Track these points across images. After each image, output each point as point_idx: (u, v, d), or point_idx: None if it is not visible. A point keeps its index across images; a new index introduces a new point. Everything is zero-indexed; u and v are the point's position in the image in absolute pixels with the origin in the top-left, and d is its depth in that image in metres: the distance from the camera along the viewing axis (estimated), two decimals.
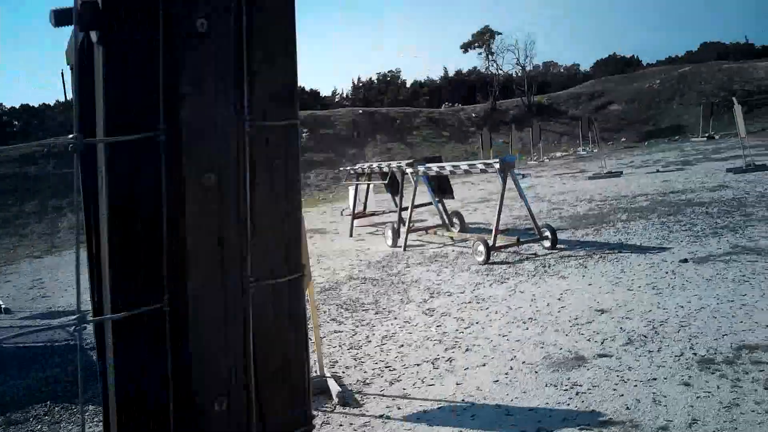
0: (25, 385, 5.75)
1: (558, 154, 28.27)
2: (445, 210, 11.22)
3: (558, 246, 8.96)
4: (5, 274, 12.69)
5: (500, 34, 40.55)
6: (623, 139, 30.46)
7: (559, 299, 6.58)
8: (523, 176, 20.16)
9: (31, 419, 5.00)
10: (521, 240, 9.06)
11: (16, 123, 31.85)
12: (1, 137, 27.58)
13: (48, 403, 5.34)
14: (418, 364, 5.31)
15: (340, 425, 4.42)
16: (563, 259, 8.29)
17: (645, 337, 5.22)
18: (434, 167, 10.17)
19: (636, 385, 4.37)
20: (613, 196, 13.60)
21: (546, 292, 6.88)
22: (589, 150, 27.06)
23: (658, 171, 17.57)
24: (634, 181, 15.89)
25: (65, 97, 39.01)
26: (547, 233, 9.00)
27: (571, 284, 7.10)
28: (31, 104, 37.27)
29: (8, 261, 14.32)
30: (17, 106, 34.64)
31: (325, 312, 7.13)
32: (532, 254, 8.85)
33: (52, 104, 36.98)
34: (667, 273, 7.03)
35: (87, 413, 5.10)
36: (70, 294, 10.00)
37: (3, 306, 9.02)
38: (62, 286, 10.77)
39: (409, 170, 10.59)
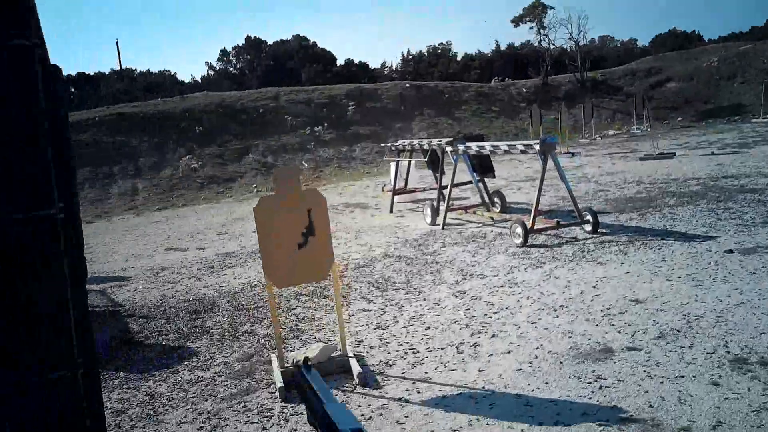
0: None
1: (610, 132, 27.55)
2: (486, 189, 11.07)
3: (600, 230, 8.75)
4: None
5: (552, 8, 39.52)
6: (679, 119, 29.48)
7: (594, 287, 6.43)
8: (573, 155, 19.76)
9: None
10: (561, 223, 8.87)
11: (74, 91, 32.66)
12: None
13: None
14: (442, 348, 5.27)
15: (359, 406, 4.44)
16: (603, 245, 8.09)
17: (678, 331, 5.06)
18: (474, 146, 10.01)
19: (662, 382, 4.25)
20: (663, 178, 13.20)
21: (581, 279, 6.74)
22: (642, 129, 26.29)
23: (713, 153, 16.96)
24: (686, 163, 15.38)
25: (120, 65, 39.79)
26: (589, 217, 8.79)
27: (608, 271, 6.93)
28: (87, 72, 38.18)
29: None
30: (74, 74, 35.50)
31: (356, 290, 7.14)
32: (572, 238, 8.67)
33: (107, 72, 37.81)
34: (709, 264, 6.80)
35: (117, 380, 5.25)
36: (114, 259, 10.29)
37: None
38: (108, 251, 11.08)
39: (448, 149, 10.45)
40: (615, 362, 4.64)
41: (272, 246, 4.68)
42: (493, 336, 5.42)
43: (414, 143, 12.39)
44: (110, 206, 16.55)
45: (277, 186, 4.71)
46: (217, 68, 45.10)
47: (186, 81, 41.42)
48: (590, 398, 4.15)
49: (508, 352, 5.05)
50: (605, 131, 27.60)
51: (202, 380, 5.13)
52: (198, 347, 5.86)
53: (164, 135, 20.70)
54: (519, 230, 8.52)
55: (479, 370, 4.79)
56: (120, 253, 10.83)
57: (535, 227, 8.63)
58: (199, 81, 41.95)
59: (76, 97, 30.09)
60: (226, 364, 5.41)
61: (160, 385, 5.09)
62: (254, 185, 17.87)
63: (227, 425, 4.35)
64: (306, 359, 0.74)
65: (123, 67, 39.69)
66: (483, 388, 4.51)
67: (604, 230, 8.80)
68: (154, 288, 8.12)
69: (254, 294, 7.29)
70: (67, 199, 0.93)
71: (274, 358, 5.08)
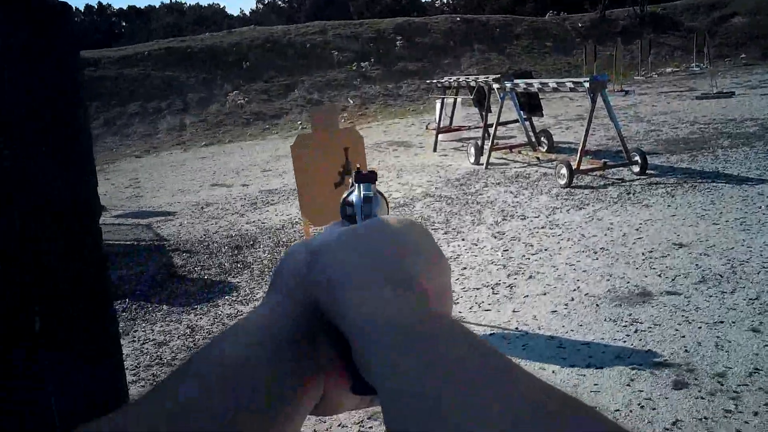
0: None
1: (668, 70, 26.45)
2: (533, 128, 10.82)
3: (648, 172, 8.51)
4: (106, 172, 13.44)
5: None
6: (743, 56, 28.07)
7: (637, 230, 6.30)
8: (626, 93, 19.10)
9: None
10: (609, 164, 8.65)
11: (124, 24, 32.88)
12: (110, 37, 28.60)
13: (127, 300, 5.71)
14: (477, 288, 5.27)
15: None
16: (650, 187, 7.88)
17: (720, 276, 4.93)
18: (521, 84, 9.75)
19: (700, 327, 4.17)
20: (719, 119, 12.67)
21: (625, 222, 6.60)
22: (702, 66, 25.16)
23: None
24: (745, 103, 14.71)
25: None
26: (637, 158, 8.54)
27: (653, 214, 6.76)
28: (138, 6, 38.33)
29: (110, 160, 15.13)
30: (125, 8, 35.70)
31: None
32: (619, 179, 8.45)
33: (157, 6, 37.88)
34: (760, 208, 6.56)
35: (160, 312, 5.43)
36: (161, 194, 10.52)
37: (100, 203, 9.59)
38: (156, 186, 11.32)
39: (495, 86, 10.21)
40: (653, 306, 4.57)
41: (309, 184, 4.69)
42: (530, 277, 5.38)
43: (461, 80, 12.12)
44: (158, 141, 16.82)
45: (314, 124, 4.69)
46: (266, 1, 44.69)
47: (235, 15, 41.25)
48: (624, 342, 4.11)
49: (544, 294, 5.02)
50: (663, 68, 26.51)
51: (241, 314, 5.26)
52: (239, 282, 5.99)
53: (211, 70, 20.75)
54: (564, 171, 8.34)
55: (514, 311, 4.78)
56: (167, 188, 11.06)
57: (581, 168, 8.44)
58: (248, 15, 41.71)
59: (127, 31, 30.33)
60: None
61: (201, 318, 5.25)
62: (299, 122, 17.88)
63: None
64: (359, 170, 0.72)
65: (173, 0, 39.66)
66: (516, 329, 4.51)
67: (652, 172, 8.55)
68: (198, 223, 8.29)
69: (295, 231, 7.37)
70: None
71: None
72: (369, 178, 0.56)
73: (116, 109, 18.25)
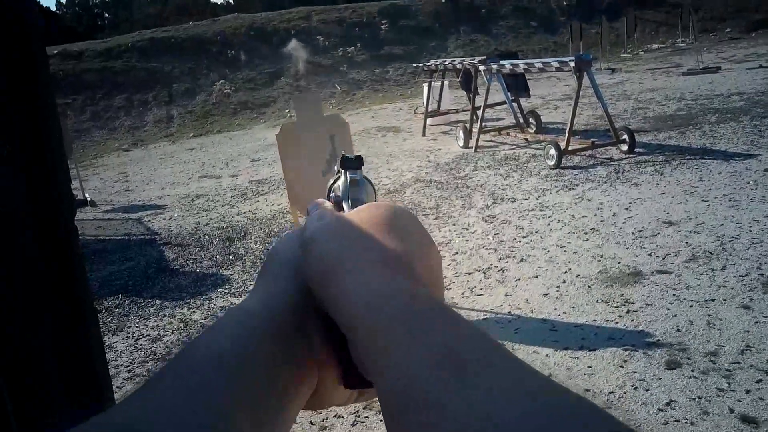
0: (99, 278, 6.12)
1: (654, 46, 26.45)
2: (521, 109, 10.82)
3: (636, 150, 8.52)
4: (95, 167, 13.36)
5: None
6: (728, 30, 28.08)
7: (626, 209, 6.32)
8: (613, 71, 19.09)
9: (103, 311, 5.35)
10: (597, 143, 8.67)
11: (107, 16, 32.52)
12: (92, 29, 28.26)
13: (119, 296, 5.69)
14: (469, 273, 5.29)
15: None
16: (639, 165, 7.90)
17: (710, 253, 4.96)
18: (507, 65, 9.72)
19: (691, 306, 4.20)
20: (705, 94, 12.69)
21: (614, 201, 6.62)
22: (688, 42, 25.16)
23: (760, 66, 16.18)
24: (731, 77, 14.73)
25: None
26: (625, 136, 8.55)
27: (642, 192, 6.79)
28: None
29: (98, 154, 15.03)
30: None
31: None
32: (607, 159, 8.47)
33: None
34: (748, 183, 6.59)
35: (153, 307, 5.41)
36: (150, 188, 10.46)
37: (89, 198, 9.54)
38: (145, 180, 11.26)
39: (481, 68, 10.17)
40: (644, 286, 4.59)
41: (296, 173, 4.67)
42: (522, 260, 5.40)
43: (447, 63, 12.08)
44: (146, 134, 16.72)
45: (297, 112, 4.66)
46: None
47: (218, 2, 40.85)
48: (617, 323, 4.14)
49: (536, 277, 5.04)
50: (648, 45, 26.51)
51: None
52: (231, 274, 5.98)
53: (196, 60, 20.58)
54: (552, 152, 8.35)
55: (506, 295, 4.80)
56: (156, 181, 11.00)
57: (570, 148, 8.45)
58: (231, 2, 41.30)
59: (110, 22, 29.99)
60: None
61: (194, 312, 5.24)
62: (287, 110, 17.79)
63: None
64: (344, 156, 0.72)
65: None
66: (509, 312, 4.53)
67: (640, 150, 8.57)
68: (188, 216, 8.26)
69: (286, 221, 7.36)
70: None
71: None
72: (355, 162, 0.56)
73: (102, 102, 18.10)
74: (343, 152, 0.59)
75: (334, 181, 0.56)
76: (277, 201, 8.37)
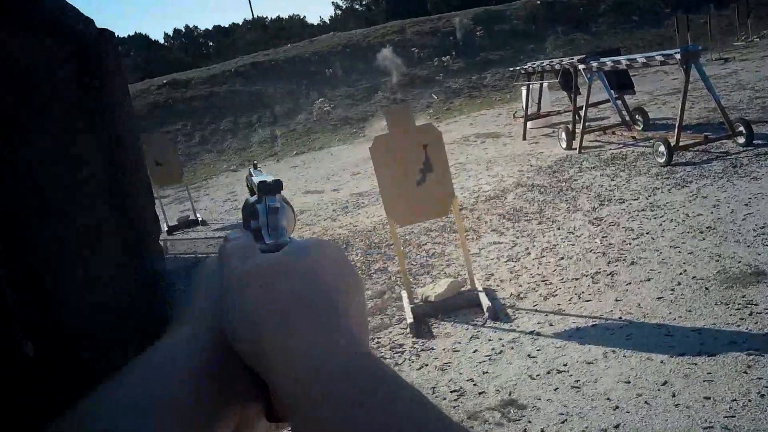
0: None
1: None
2: (626, 106, 10.39)
3: (754, 142, 7.95)
4: (206, 188, 13.99)
5: None
6: None
7: (746, 205, 5.90)
8: (725, 61, 18.02)
9: None
10: (710, 137, 8.16)
11: (211, 44, 34.17)
12: (198, 57, 29.74)
13: None
14: (576, 278, 5.09)
15: (489, 340, 4.41)
16: (758, 158, 7.36)
17: None
18: (608, 62, 9.35)
19: None
20: None
21: (732, 197, 6.19)
22: None
23: None
24: None
25: (252, 14, 40.95)
26: (741, 128, 8.00)
27: (763, 187, 6.31)
28: (222, 25, 39.74)
29: (208, 175, 15.73)
30: (210, 28, 37.11)
31: (486, 223, 7.03)
32: (723, 153, 7.95)
33: (240, 23, 39.13)
34: None
35: None
36: None
37: (200, 218, 9.98)
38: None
39: (581, 66, 9.85)
40: None
41: (391, 185, 4.68)
42: (632, 263, 5.14)
43: (544, 64, 11.79)
44: (252, 154, 17.33)
45: (389, 125, 4.67)
46: (344, 7, 45.25)
47: (315, 23, 42.03)
48: (739, 326, 3.85)
49: (648, 280, 4.78)
50: (765, 31, 24.83)
51: None
52: None
53: (296, 80, 21.19)
54: (662, 148, 7.94)
55: (616, 300, 4.58)
56: None
57: (680, 144, 8.00)
58: (327, 22, 42.38)
59: (214, 50, 31.48)
60: None
61: None
62: (385, 123, 17.97)
63: None
64: (255, 164, 0.72)
65: (255, 16, 40.86)
66: (620, 318, 4.31)
67: (759, 141, 7.98)
68: (293, 232, 8.45)
69: (385, 232, 7.38)
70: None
71: (404, 294, 5.14)
72: (273, 187, 0.53)
73: (210, 126, 18.96)
74: (259, 176, 0.55)
75: (252, 207, 0.52)
76: (376, 213, 8.42)
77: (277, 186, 0.53)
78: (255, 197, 0.53)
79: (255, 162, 0.54)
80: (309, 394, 0.35)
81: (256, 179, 0.55)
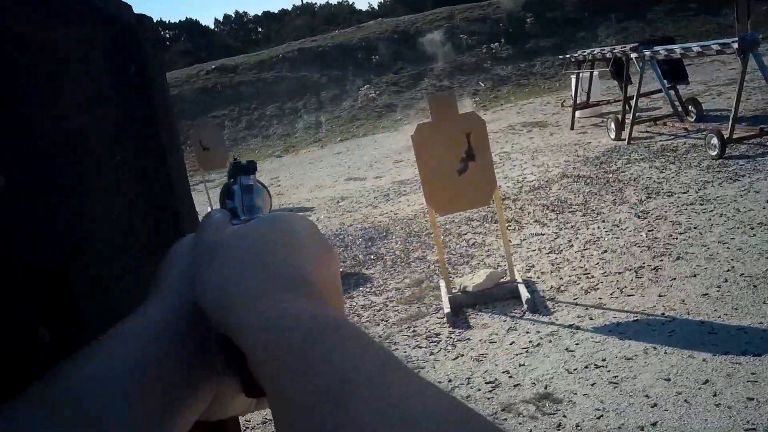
0: None
1: None
2: (679, 97, 10.10)
3: None
4: None
5: None
6: None
7: None
8: None
9: None
10: (766, 129, 7.86)
11: (260, 30, 34.42)
12: (247, 43, 30.00)
13: None
14: (619, 272, 4.98)
15: (527, 332, 4.35)
16: None
17: None
18: (662, 51, 9.09)
19: None
20: None
21: None
22: None
23: None
24: None
25: (301, 0, 41.15)
26: None
27: None
28: (271, 11, 39.99)
29: (254, 160, 15.91)
30: (260, 14, 37.38)
31: (529, 213, 6.93)
32: None
33: (289, 8, 39.29)
34: None
35: None
36: (300, 191, 10.90)
37: None
38: (295, 183, 11.75)
39: (633, 55, 9.60)
40: None
41: (432, 173, 4.64)
42: (678, 258, 5.00)
43: (595, 52, 11.52)
44: (296, 140, 17.45)
45: (432, 112, 4.63)
46: None
47: (363, 9, 41.96)
48: None
49: (694, 276, 4.64)
50: None
51: (375, 305, 5.32)
52: (372, 273, 6.06)
53: (342, 66, 21.21)
54: (715, 141, 7.69)
55: (659, 296, 4.47)
56: (305, 184, 11.43)
57: (734, 136, 7.73)
58: (376, 8, 42.24)
59: (263, 36, 31.71)
60: (397, 290, 5.55)
61: None
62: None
63: (397, 349, 4.49)
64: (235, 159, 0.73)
65: (304, 2, 41.01)
66: (662, 314, 4.20)
67: None
68: (334, 217, 8.50)
69: (425, 220, 7.34)
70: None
71: (442, 284, 5.11)
72: (248, 168, 0.54)
73: (257, 111, 19.15)
74: (234, 157, 0.56)
75: (228, 188, 0.54)
76: (418, 201, 8.38)
77: (250, 166, 0.54)
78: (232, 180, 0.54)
79: (234, 155, 0.54)
80: (275, 356, 0.35)
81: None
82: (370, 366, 0.33)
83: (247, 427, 3.87)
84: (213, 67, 21.77)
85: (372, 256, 6.55)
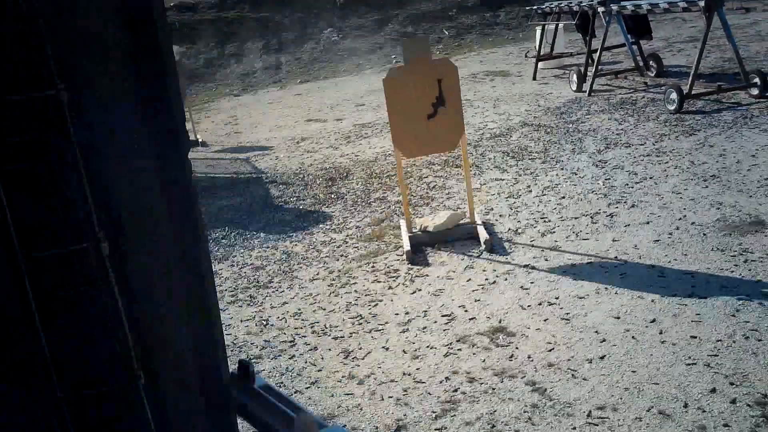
0: (208, 212, 6.36)
1: None
2: (641, 52, 10.20)
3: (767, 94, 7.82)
4: (207, 111, 13.85)
5: None
6: None
7: (753, 156, 5.84)
8: (747, 11, 17.56)
9: (210, 241, 5.57)
10: (723, 87, 8.02)
11: None
12: None
13: (226, 228, 5.91)
14: (576, 218, 5.08)
15: (483, 270, 4.44)
16: None
17: None
18: (629, 5, 9.11)
19: None
20: None
21: (739, 148, 6.13)
22: None
23: None
24: None
25: None
26: (756, 79, 7.86)
27: None
28: None
29: (211, 99, 15.56)
30: None
31: (489, 159, 6.98)
32: (735, 103, 7.83)
33: None
34: None
35: (257, 239, 5.59)
36: (258, 130, 10.74)
37: (200, 139, 9.92)
38: (253, 123, 11.56)
39: (600, 9, 9.60)
40: (766, 236, 4.25)
41: (401, 116, 4.62)
42: (633, 206, 5.13)
43: (562, 5, 11.49)
44: (255, 80, 17.10)
45: (405, 57, 4.58)
46: None
47: None
48: (732, 272, 3.86)
49: (647, 223, 4.77)
50: None
51: (334, 242, 5.34)
52: (332, 212, 6.06)
53: (305, 7, 20.73)
54: (674, 95, 7.81)
55: (613, 240, 4.59)
56: (264, 124, 11.25)
57: (693, 92, 7.87)
58: None
59: None
60: (357, 228, 5.57)
61: (296, 245, 5.36)
62: (393, 56, 17.65)
63: (356, 283, 4.53)
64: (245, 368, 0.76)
65: None
66: (615, 258, 4.33)
67: None
68: (294, 157, 8.41)
69: (387, 163, 7.34)
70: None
71: (402, 223, 5.15)
72: None
73: (215, 50, 18.64)
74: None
75: None
76: (379, 144, 8.36)
77: None
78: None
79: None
80: None
81: None
82: None
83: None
84: (171, 4, 21.01)
85: (333, 195, 6.53)
